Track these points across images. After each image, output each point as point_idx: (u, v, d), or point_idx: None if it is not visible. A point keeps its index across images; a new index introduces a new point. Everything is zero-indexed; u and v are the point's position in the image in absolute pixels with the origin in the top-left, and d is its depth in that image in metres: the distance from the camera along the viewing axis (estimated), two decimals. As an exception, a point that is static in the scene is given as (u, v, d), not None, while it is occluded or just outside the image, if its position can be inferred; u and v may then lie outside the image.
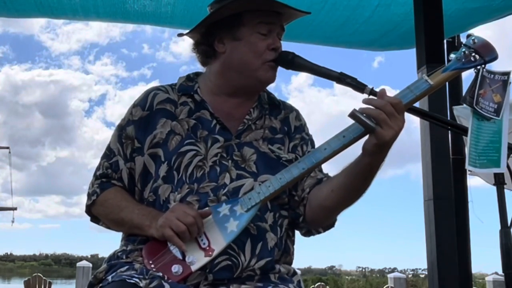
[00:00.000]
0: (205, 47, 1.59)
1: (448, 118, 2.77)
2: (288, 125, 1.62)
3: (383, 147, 1.32)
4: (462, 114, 3.81)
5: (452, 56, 1.34)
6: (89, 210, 1.60)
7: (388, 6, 3.46)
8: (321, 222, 1.56)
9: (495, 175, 1.41)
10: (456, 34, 3.96)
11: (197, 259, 1.37)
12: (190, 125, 1.53)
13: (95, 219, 1.62)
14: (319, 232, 1.59)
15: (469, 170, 3.79)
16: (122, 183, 1.56)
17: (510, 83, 1.36)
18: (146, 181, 1.52)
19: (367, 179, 1.41)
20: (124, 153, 1.56)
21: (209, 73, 1.62)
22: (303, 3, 3.36)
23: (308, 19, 3.56)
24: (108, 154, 1.59)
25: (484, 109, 1.35)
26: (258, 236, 1.44)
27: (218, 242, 1.38)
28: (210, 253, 1.37)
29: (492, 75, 1.36)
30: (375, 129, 1.29)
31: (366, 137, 1.34)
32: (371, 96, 1.36)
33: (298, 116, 1.67)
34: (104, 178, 1.58)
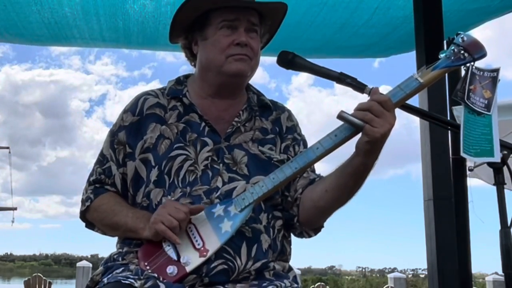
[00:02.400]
0: (187, 51, 1.63)
1: (448, 118, 2.76)
2: (280, 125, 1.62)
3: (375, 144, 1.32)
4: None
5: (442, 54, 1.34)
6: (83, 216, 1.61)
7: (387, 9, 3.46)
8: (314, 222, 1.55)
9: (495, 175, 1.41)
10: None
11: (192, 260, 1.37)
12: (179, 129, 1.53)
13: (90, 225, 1.62)
14: (309, 236, 1.58)
15: (469, 169, 3.80)
16: (116, 188, 1.57)
17: (499, 80, 1.35)
18: (138, 186, 1.52)
19: (360, 179, 1.41)
20: (116, 158, 1.57)
21: (195, 76, 1.63)
22: (302, 5, 3.37)
23: (307, 21, 3.57)
24: (101, 160, 1.59)
25: (475, 104, 1.35)
26: (253, 238, 1.44)
27: (213, 242, 1.38)
28: (205, 253, 1.37)
29: (481, 72, 1.35)
30: (364, 127, 1.29)
31: (359, 136, 1.34)
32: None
33: (290, 117, 1.66)
34: (98, 183, 1.59)
